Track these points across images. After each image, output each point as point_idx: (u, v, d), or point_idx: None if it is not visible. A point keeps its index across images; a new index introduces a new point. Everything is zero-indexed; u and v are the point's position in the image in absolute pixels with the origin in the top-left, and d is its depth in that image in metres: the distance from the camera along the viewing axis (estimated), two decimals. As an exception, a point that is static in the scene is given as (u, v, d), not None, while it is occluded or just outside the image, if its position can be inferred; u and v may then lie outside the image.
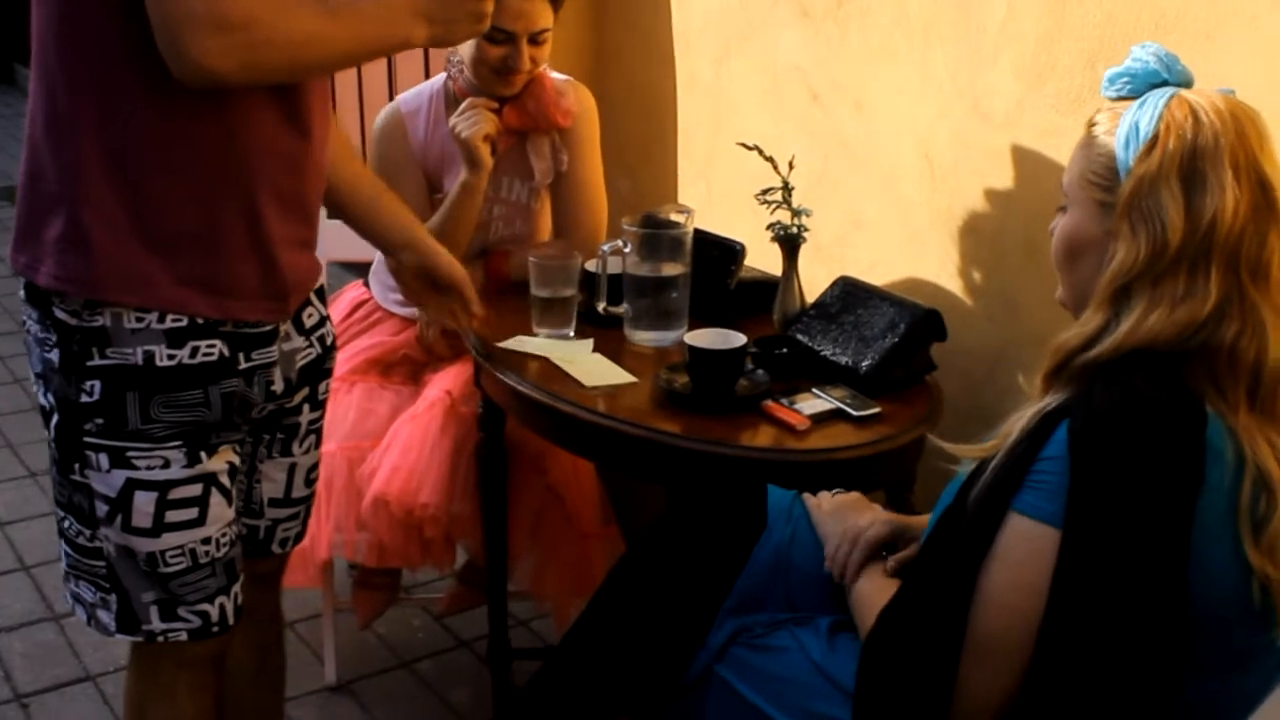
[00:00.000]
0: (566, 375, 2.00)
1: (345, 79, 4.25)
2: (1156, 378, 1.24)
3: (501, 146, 2.36)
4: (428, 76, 2.55)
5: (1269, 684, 1.31)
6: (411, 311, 2.44)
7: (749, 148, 2.19)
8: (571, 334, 2.17)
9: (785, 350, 2.03)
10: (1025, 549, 1.25)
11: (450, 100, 2.38)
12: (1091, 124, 1.35)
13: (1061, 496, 1.23)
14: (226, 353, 1.52)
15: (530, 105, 2.34)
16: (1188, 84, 1.32)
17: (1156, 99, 1.29)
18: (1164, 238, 1.24)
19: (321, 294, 1.73)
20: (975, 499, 1.31)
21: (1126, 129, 1.29)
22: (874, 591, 1.52)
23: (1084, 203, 1.34)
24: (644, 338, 2.14)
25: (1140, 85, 1.32)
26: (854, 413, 1.89)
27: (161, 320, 1.47)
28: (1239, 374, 1.25)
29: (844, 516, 1.65)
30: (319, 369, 1.72)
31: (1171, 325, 1.24)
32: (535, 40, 2.27)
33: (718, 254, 2.26)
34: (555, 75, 2.42)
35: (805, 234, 2.16)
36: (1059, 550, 1.23)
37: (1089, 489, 1.22)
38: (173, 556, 1.55)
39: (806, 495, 1.72)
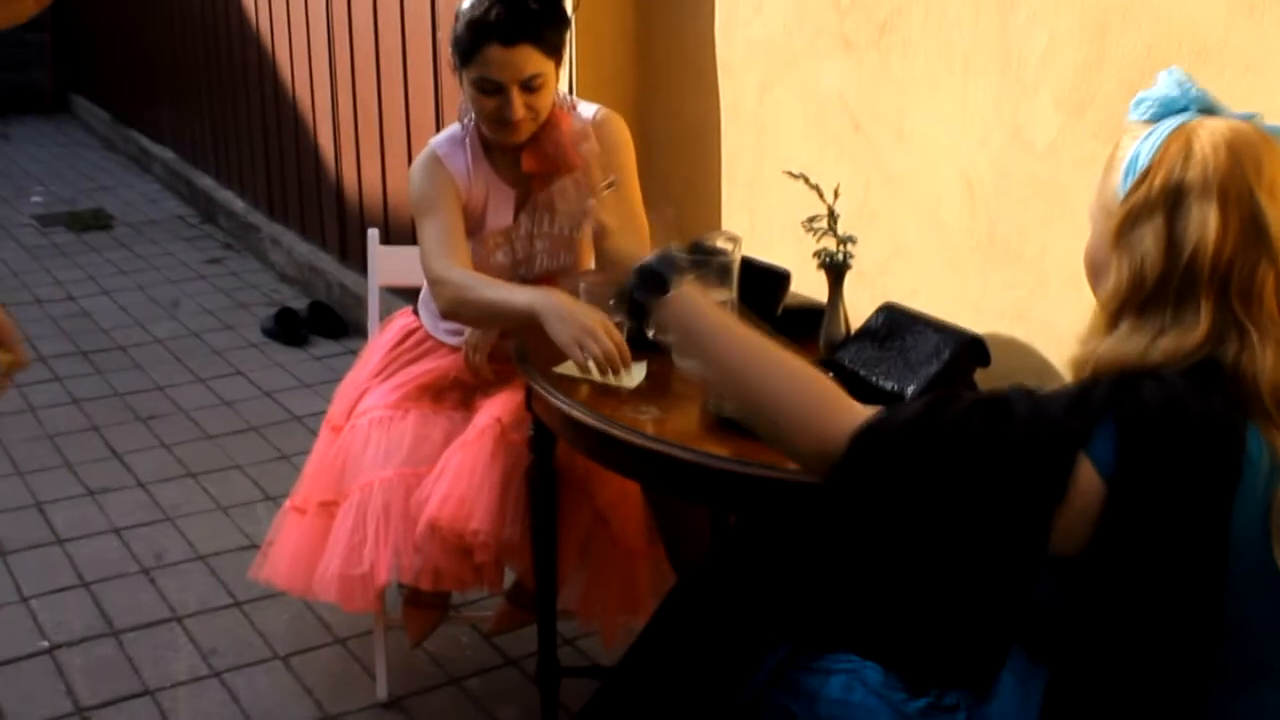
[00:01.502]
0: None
1: (394, 118, 4.30)
2: (1194, 386, 1.25)
3: (535, 189, 2.37)
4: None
5: None
6: (460, 340, 2.45)
7: (795, 176, 2.20)
8: (621, 358, 2.16)
9: (832, 375, 2.02)
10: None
11: (482, 139, 2.36)
12: (1116, 147, 1.37)
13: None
14: None
15: (548, 149, 2.30)
16: (1207, 109, 1.33)
17: (1162, 130, 1.31)
18: (1141, 270, 1.28)
19: None
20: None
21: (1128, 160, 1.32)
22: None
23: (1098, 225, 1.37)
24: (692, 363, 2.14)
25: (1162, 110, 1.33)
26: (900, 437, 1.88)
27: None
28: (1249, 391, 1.25)
29: None
30: None
31: (1157, 352, 1.27)
32: (528, 87, 2.20)
33: (764, 281, 2.26)
34: (586, 108, 2.38)
35: (850, 261, 2.16)
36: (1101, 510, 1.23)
37: (1134, 469, 1.23)
38: None
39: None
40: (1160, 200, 1.28)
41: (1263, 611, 1.26)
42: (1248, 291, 1.26)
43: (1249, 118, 1.32)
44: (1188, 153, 1.28)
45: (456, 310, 2.25)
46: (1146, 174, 1.29)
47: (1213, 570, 1.22)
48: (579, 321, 2.03)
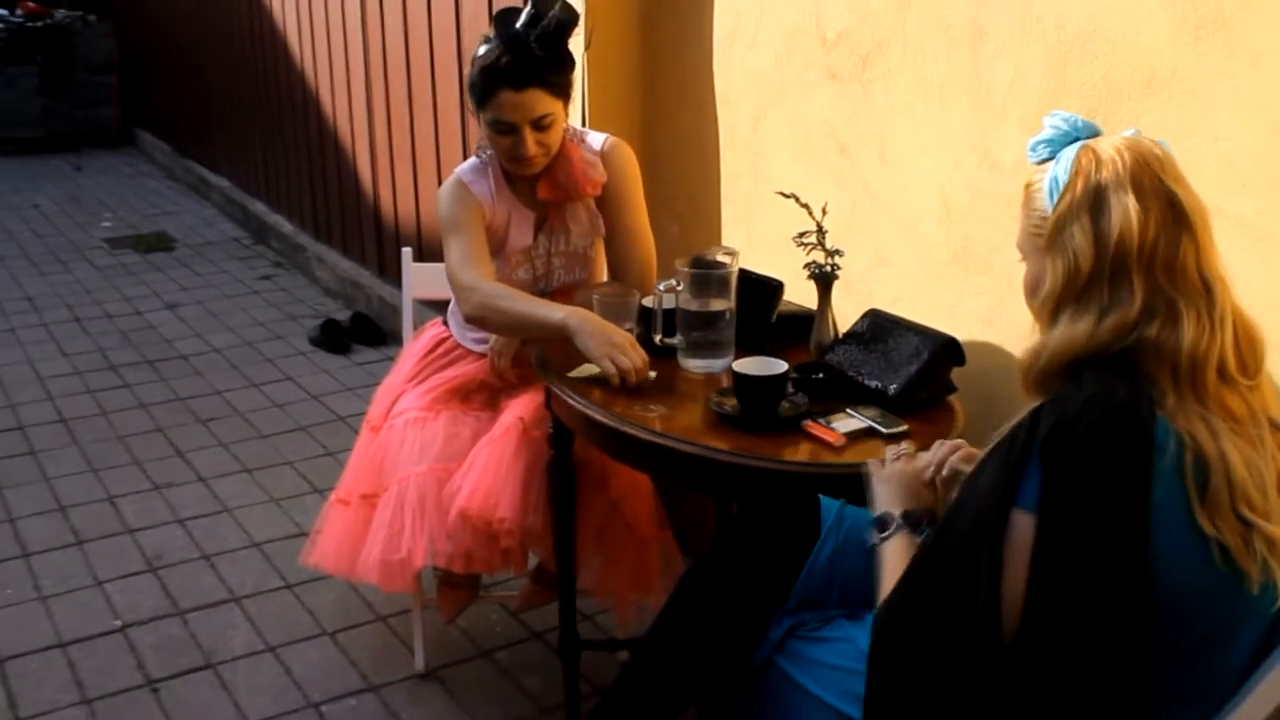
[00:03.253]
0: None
1: (425, 149, 4.30)
2: (1110, 381, 1.26)
3: (550, 213, 2.37)
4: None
5: (1245, 663, 1.29)
6: (486, 348, 2.45)
7: (787, 196, 2.20)
8: (631, 363, 2.16)
9: (822, 375, 2.02)
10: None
11: (503, 169, 2.35)
12: (1028, 186, 1.40)
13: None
14: None
15: (561, 178, 2.30)
16: (1094, 133, 1.38)
17: (1069, 153, 1.35)
18: (1075, 264, 1.31)
19: None
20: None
21: (1049, 182, 1.35)
22: (898, 556, 1.52)
23: (1032, 251, 1.39)
24: (696, 365, 2.15)
25: (1057, 147, 1.38)
26: (884, 430, 1.88)
27: None
28: (1165, 362, 1.27)
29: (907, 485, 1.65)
30: None
31: (1105, 331, 1.29)
32: (539, 126, 2.20)
33: (760, 290, 2.26)
34: (596, 137, 2.38)
35: (838, 272, 2.16)
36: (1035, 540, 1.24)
37: (1056, 490, 1.23)
38: None
39: (870, 461, 1.72)
40: (1084, 202, 1.31)
41: (1195, 589, 1.24)
42: (1172, 265, 1.29)
43: (1132, 133, 1.37)
44: (1098, 161, 1.32)
45: (482, 316, 2.22)
46: (1068, 186, 1.33)
47: (1138, 566, 1.21)
48: (608, 338, 2.05)
